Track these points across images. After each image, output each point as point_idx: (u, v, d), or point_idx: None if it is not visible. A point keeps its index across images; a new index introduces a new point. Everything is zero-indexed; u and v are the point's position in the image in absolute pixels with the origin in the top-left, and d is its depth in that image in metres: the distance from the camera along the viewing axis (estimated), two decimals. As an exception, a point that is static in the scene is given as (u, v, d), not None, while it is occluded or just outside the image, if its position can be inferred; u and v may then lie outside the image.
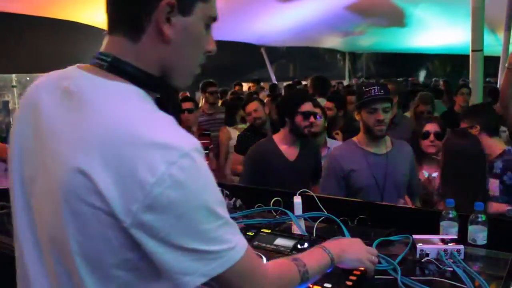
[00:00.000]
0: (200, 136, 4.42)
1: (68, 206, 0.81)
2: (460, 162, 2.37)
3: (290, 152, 2.90)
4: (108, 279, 0.85)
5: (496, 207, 2.42)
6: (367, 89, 2.43)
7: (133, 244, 0.81)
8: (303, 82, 9.57)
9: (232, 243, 0.86)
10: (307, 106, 2.85)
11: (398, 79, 11.89)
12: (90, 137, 0.80)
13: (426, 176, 2.86)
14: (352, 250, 1.35)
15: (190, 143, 0.81)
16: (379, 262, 1.48)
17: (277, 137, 2.94)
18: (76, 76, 0.90)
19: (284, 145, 2.90)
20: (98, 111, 0.82)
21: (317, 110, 3.45)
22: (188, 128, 4.33)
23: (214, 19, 0.94)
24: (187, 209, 0.79)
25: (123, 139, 0.78)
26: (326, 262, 1.24)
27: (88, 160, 0.78)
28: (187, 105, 4.36)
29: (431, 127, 2.92)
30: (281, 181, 2.65)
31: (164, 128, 0.82)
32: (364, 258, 1.35)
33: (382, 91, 2.39)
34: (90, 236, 0.81)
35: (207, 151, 4.45)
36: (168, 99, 0.94)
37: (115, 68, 0.88)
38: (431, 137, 2.89)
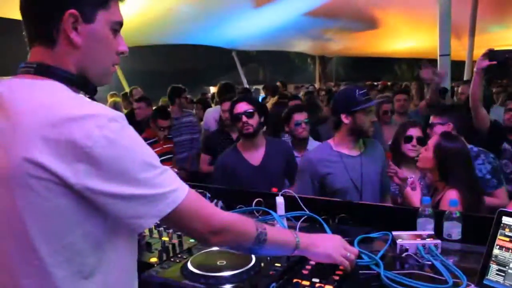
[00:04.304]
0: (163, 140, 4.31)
1: (20, 186, 0.92)
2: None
3: (254, 157, 2.95)
4: (63, 247, 0.96)
5: None
6: (361, 92, 2.46)
7: (85, 208, 0.95)
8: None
9: (174, 185, 1.03)
10: (237, 108, 2.93)
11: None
12: (27, 125, 0.92)
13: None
14: (323, 245, 1.40)
15: (114, 112, 0.97)
16: (361, 258, 1.54)
17: (240, 146, 3.03)
18: (6, 81, 1.03)
19: (247, 151, 2.96)
20: (31, 103, 0.95)
21: (302, 117, 3.50)
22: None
23: (119, 23, 1.09)
24: (126, 163, 0.94)
25: (57, 118, 0.91)
26: (289, 241, 1.33)
27: (30, 146, 0.90)
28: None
29: (414, 132, 2.96)
30: (248, 186, 2.72)
31: (89, 104, 0.97)
32: (336, 254, 1.39)
33: (369, 94, 2.47)
34: (44, 208, 0.93)
35: (171, 155, 4.37)
36: (89, 92, 1.10)
37: (41, 71, 1.02)
38: (414, 141, 2.93)
